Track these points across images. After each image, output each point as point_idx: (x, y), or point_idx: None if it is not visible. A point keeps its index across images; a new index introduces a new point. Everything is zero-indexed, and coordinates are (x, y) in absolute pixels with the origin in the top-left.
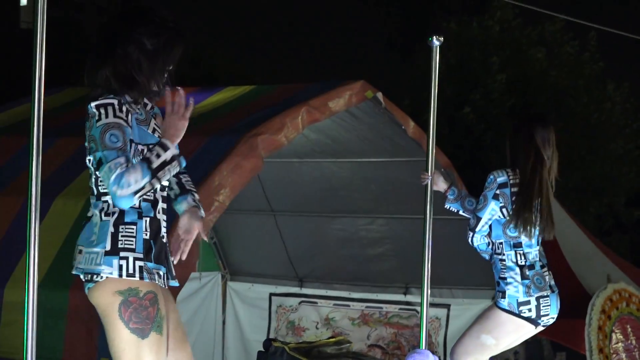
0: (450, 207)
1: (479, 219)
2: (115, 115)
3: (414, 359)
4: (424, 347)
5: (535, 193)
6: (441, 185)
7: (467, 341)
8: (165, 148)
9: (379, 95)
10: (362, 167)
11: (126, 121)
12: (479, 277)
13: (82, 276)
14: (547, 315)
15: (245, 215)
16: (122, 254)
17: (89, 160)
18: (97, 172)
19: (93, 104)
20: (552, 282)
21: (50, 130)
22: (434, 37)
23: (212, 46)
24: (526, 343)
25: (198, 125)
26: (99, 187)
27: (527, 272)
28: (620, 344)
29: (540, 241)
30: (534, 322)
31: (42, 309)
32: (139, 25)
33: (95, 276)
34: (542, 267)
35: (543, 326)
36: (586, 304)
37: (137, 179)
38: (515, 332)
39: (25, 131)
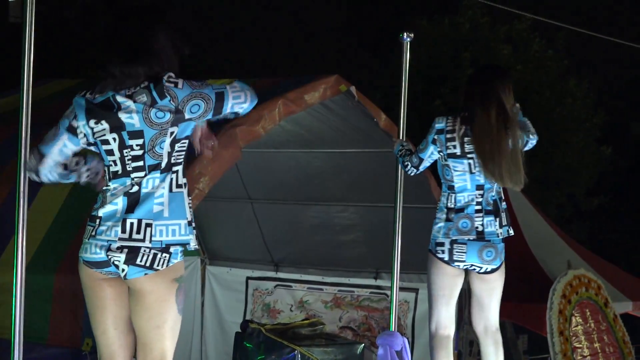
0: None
1: (420, 160)
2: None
3: (384, 340)
4: (393, 329)
5: (476, 136)
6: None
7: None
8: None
9: (352, 89)
10: (336, 157)
11: None
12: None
13: (138, 259)
14: (463, 261)
15: (224, 203)
16: (193, 224)
17: (170, 131)
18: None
19: (164, 79)
20: (490, 229)
21: (37, 120)
22: (405, 33)
23: (193, 42)
24: None
25: None
26: (172, 158)
27: (452, 215)
28: (579, 327)
29: (492, 187)
30: (449, 264)
31: (29, 291)
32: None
33: (160, 262)
34: (478, 211)
35: (471, 270)
36: (548, 289)
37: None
38: (442, 275)
39: (12, 121)
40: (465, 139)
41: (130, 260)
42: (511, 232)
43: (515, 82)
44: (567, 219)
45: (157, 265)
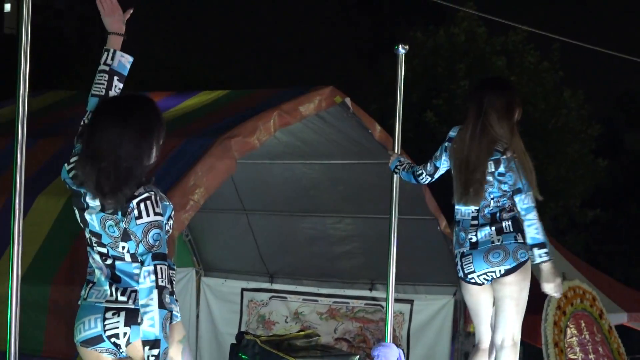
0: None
1: (436, 168)
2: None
3: (380, 352)
4: (389, 341)
5: (458, 153)
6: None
7: None
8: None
9: (347, 100)
10: (331, 169)
11: None
12: (441, 274)
13: (139, 318)
14: (473, 271)
15: (219, 214)
16: (175, 296)
17: (122, 246)
18: None
19: (135, 201)
20: (484, 239)
21: (32, 131)
22: (400, 45)
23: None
24: None
25: (174, 128)
26: (135, 257)
27: (455, 228)
28: (574, 338)
29: (488, 202)
30: (465, 280)
31: (24, 302)
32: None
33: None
34: (473, 225)
35: (486, 282)
36: (542, 300)
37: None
38: (465, 292)
39: (7, 132)
40: None
41: (131, 320)
42: (519, 238)
43: None
44: (561, 231)
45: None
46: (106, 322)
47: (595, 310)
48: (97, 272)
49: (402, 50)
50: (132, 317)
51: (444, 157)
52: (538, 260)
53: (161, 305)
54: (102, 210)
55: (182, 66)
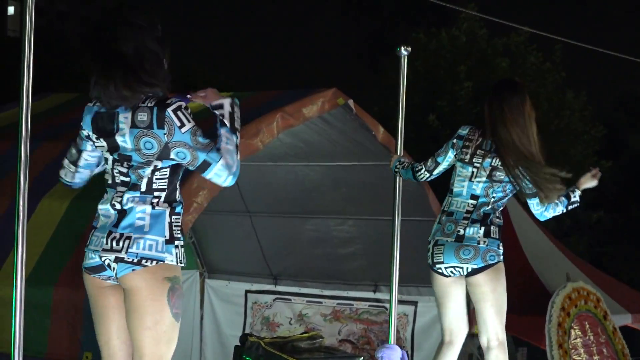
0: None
1: (437, 164)
2: (192, 118)
3: (384, 354)
4: (392, 342)
5: (478, 145)
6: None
7: None
8: (222, 106)
9: (350, 102)
10: (334, 170)
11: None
12: None
13: (129, 259)
14: (442, 262)
15: (223, 216)
16: (176, 242)
17: (154, 164)
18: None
19: (170, 110)
20: (470, 235)
21: (36, 134)
22: (402, 47)
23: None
24: None
25: None
26: (152, 184)
27: (443, 218)
28: (579, 339)
29: (488, 201)
30: (433, 269)
31: (28, 304)
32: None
33: (146, 261)
34: (465, 218)
35: (452, 276)
36: (546, 301)
37: (233, 151)
38: (435, 283)
39: (11, 135)
40: (479, 150)
41: (119, 259)
42: (501, 249)
43: None
44: (565, 232)
45: (146, 263)
46: (103, 256)
47: (600, 312)
48: (103, 219)
49: (404, 52)
50: (120, 259)
51: (449, 154)
52: (575, 196)
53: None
54: (135, 125)
55: (185, 68)
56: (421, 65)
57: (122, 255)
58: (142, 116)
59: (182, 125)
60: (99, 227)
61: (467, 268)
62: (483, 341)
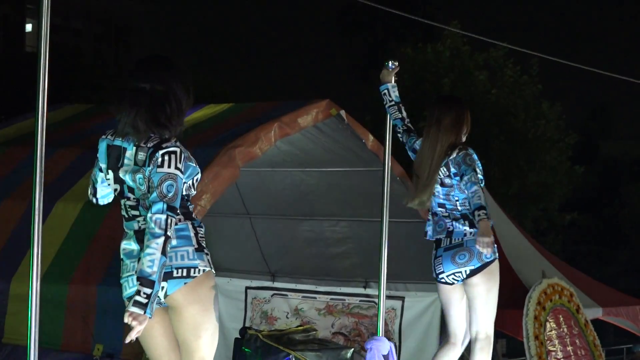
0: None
1: (409, 143)
2: (176, 167)
3: (372, 345)
4: (381, 334)
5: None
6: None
7: None
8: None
9: (342, 112)
10: (328, 176)
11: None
12: (430, 273)
13: (177, 273)
14: (442, 272)
15: (224, 218)
16: (205, 250)
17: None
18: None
19: (161, 152)
20: (456, 228)
21: (51, 142)
22: (390, 61)
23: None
24: None
25: (183, 138)
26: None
27: (434, 217)
28: (553, 331)
29: (450, 201)
30: (437, 280)
31: (44, 300)
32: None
33: (193, 270)
34: (445, 216)
35: (456, 282)
36: (523, 296)
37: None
38: (440, 292)
39: (28, 143)
40: None
41: (167, 275)
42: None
43: (492, 105)
44: (542, 232)
45: (194, 274)
46: None
47: (573, 306)
48: (127, 247)
49: (392, 65)
50: (168, 274)
51: (410, 151)
52: (477, 218)
53: (164, 252)
54: (135, 163)
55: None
56: (409, 78)
57: (167, 269)
58: (142, 155)
59: (161, 166)
60: (123, 255)
61: (466, 271)
62: (472, 333)
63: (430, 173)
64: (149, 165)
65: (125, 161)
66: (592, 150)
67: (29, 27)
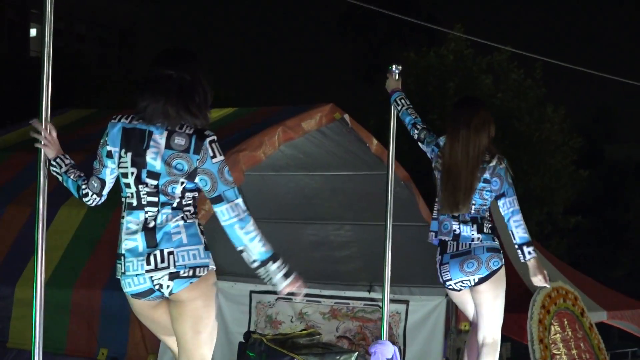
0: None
1: (425, 143)
2: (222, 152)
3: (376, 349)
4: (385, 338)
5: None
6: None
7: None
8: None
9: (346, 116)
10: (331, 180)
11: None
12: (434, 277)
13: (184, 273)
14: (450, 279)
15: None
16: (209, 248)
17: (181, 181)
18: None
19: (207, 140)
20: (463, 232)
21: None
22: (394, 65)
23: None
24: None
25: None
26: (183, 200)
27: (439, 217)
28: (558, 335)
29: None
30: (445, 286)
31: (48, 305)
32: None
33: (200, 270)
34: (454, 217)
35: (463, 289)
36: (528, 300)
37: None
38: (452, 296)
39: (33, 148)
40: None
41: (174, 275)
42: (496, 241)
43: (496, 109)
44: (546, 236)
45: (200, 272)
46: (153, 279)
47: (577, 309)
48: (129, 243)
49: (395, 69)
50: (175, 275)
51: (432, 146)
52: (528, 257)
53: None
54: (170, 147)
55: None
56: (412, 82)
57: (172, 269)
58: (180, 140)
59: (214, 156)
60: (125, 251)
61: (474, 279)
62: (480, 338)
63: (469, 178)
64: (196, 154)
65: (152, 144)
66: (597, 154)
67: (33, 32)
